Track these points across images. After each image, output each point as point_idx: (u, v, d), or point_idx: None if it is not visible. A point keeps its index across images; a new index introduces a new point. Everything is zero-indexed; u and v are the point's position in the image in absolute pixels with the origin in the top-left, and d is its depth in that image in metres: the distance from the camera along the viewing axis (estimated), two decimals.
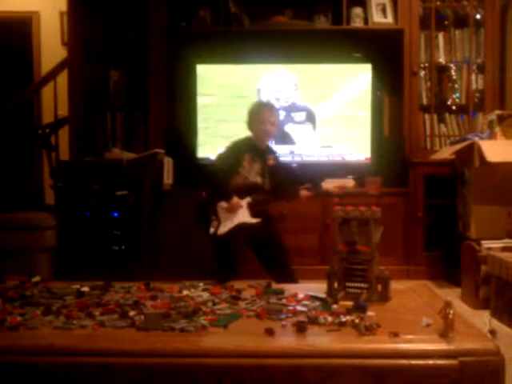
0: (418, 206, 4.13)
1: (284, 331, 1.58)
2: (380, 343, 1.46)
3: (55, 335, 1.57)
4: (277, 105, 4.08)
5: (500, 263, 2.98)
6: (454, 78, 4.28)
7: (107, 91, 4.34)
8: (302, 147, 4.33)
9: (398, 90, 4.30)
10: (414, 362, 1.41)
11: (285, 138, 4.31)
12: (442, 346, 1.44)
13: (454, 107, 4.30)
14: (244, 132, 3.25)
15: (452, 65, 4.28)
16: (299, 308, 1.79)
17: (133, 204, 4.03)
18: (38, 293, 2.05)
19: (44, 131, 4.37)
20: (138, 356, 1.45)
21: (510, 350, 1.77)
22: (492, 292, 3.07)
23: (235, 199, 3.00)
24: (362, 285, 1.91)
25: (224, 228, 3.01)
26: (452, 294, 3.40)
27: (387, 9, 4.27)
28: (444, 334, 1.47)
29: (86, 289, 2.07)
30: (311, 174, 3.73)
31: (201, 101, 4.33)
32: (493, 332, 2.59)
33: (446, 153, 3.83)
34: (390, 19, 4.26)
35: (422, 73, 4.27)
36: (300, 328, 1.57)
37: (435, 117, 4.29)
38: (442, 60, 4.29)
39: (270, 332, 1.54)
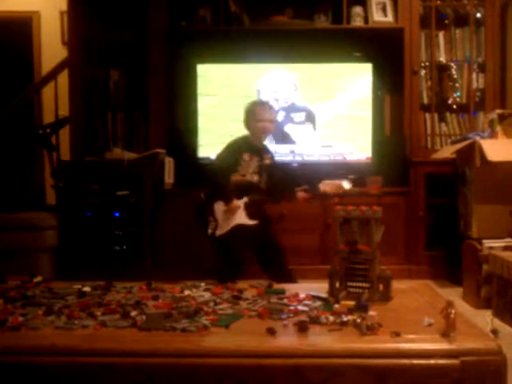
0: (420, 206, 4.13)
1: (285, 331, 1.58)
2: (382, 343, 1.46)
3: (57, 335, 1.57)
4: (276, 105, 4.08)
5: (502, 262, 2.97)
6: (455, 76, 4.28)
7: (108, 91, 4.34)
8: (302, 147, 4.32)
9: (399, 89, 4.29)
10: (415, 361, 1.41)
11: (284, 138, 4.31)
12: (443, 345, 1.44)
13: (454, 106, 4.30)
14: (245, 131, 3.25)
15: (452, 64, 4.28)
16: (301, 308, 1.79)
17: (134, 204, 4.03)
18: (40, 293, 2.05)
19: (45, 131, 4.37)
20: (139, 356, 1.45)
21: None
22: (494, 291, 3.07)
23: (234, 202, 3.00)
24: (364, 284, 1.91)
25: (222, 229, 3.00)
26: (454, 294, 3.40)
27: (387, 8, 4.26)
28: (446, 334, 1.47)
29: (87, 289, 2.08)
30: (309, 175, 3.73)
31: (201, 100, 4.33)
32: (494, 331, 2.59)
33: (446, 152, 3.82)
34: (390, 18, 4.26)
35: (423, 72, 4.27)
36: (301, 328, 1.57)
37: (436, 116, 4.28)
38: (442, 59, 4.29)
39: (271, 332, 1.54)
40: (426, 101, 4.27)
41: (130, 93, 4.34)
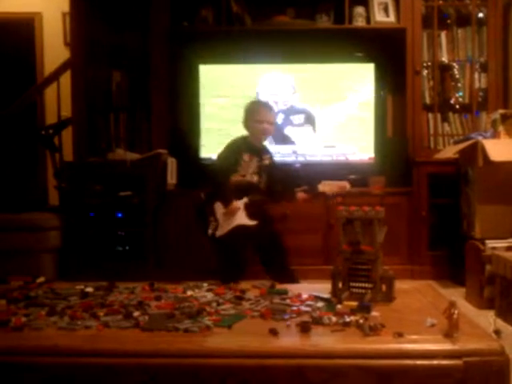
0: (422, 206, 4.13)
1: (288, 331, 1.58)
2: (384, 343, 1.46)
3: (59, 336, 1.57)
4: (275, 108, 4.07)
5: (505, 263, 2.97)
6: (457, 76, 4.27)
7: (110, 92, 4.35)
8: (305, 147, 4.32)
9: (401, 89, 4.29)
10: (418, 362, 1.40)
11: (284, 140, 4.30)
12: (446, 346, 1.43)
13: (457, 106, 4.29)
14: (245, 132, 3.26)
15: (455, 64, 4.27)
16: (303, 308, 1.79)
17: (136, 204, 4.04)
18: (43, 293, 2.05)
19: (47, 132, 4.37)
20: (142, 356, 1.45)
21: None
22: (497, 292, 3.06)
23: (234, 203, 3.00)
24: (367, 285, 1.91)
25: (222, 230, 3.00)
26: (456, 294, 3.39)
27: (389, 8, 4.26)
28: (449, 334, 1.47)
29: (90, 289, 2.08)
30: (311, 176, 3.73)
31: (203, 101, 4.33)
32: (497, 332, 2.58)
33: (449, 152, 3.82)
34: (392, 18, 4.25)
35: (425, 72, 4.26)
36: (304, 328, 1.57)
37: (438, 116, 4.27)
38: (444, 59, 4.28)
39: (274, 332, 1.54)
40: (428, 101, 4.27)
41: (132, 93, 4.35)
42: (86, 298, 1.97)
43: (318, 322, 1.63)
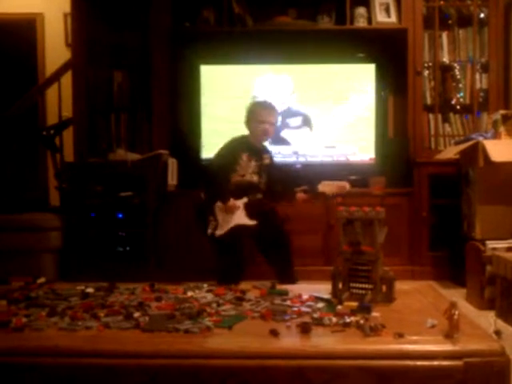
0: (423, 206, 4.13)
1: (288, 332, 1.58)
2: (385, 344, 1.46)
3: (60, 336, 1.58)
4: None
5: (505, 263, 2.96)
6: (458, 77, 4.27)
7: (111, 92, 4.35)
8: (305, 148, 4.32)
9: (402, 89, 4.28)
10: (419, 362, 1.40)
11: (282, 141, 4.30)
12: (447, 346, 1.43)
13: (458, 107, 4.28)
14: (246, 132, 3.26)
15: (456, 64, 4.27)
16: (304, 309, 1.79)
17: (137, 205, 4.04)
18: (43, 294, 2.05)
19: (48, 132, 4.38)
20: (142, 357, 1.45)
21: None
22: (497, 292, 3.06)
23: (231, 202, 3.00)
24: (367, 285, 1.91)
25: (222, 229, 3.01)
26: (457, 295, 3.39)
27: (391, 8, 4.26)
28: (449, 335, 1.47)
29: (90, 290, 2.08)
30: (309, 176, 3.73)
31: (205, 101, 4.33)
32: (498, 333, 2.58)
33: (450, 153, 3.81)
34: (393, 19, 4.25)
35: (426, 72, 4.26)
36: (304, 329, 1.57)
37: (439, 116, 4.27)
38: (445, 59, 4.28)
39: (274, 333, 1.54)
40: (429, 101, 4.27)
41: (133, 94, 4.35)
42: (87, 299, 1.97)
43: (318, 322, 1.63)
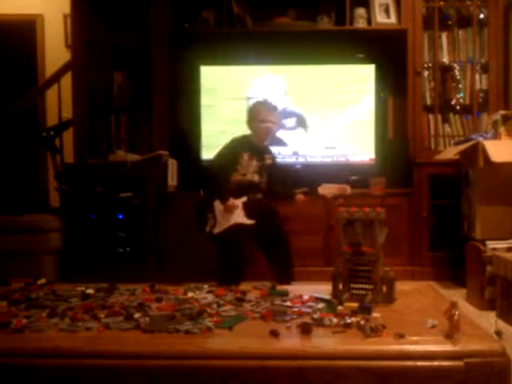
0: (423, 207, 4.13)
1: (289, 333, 1.58)
2: (385, 345, 1.46)
3: (60, 337, 1.57)
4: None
5: (505, 264, 2.96)
6: (458, 77, 4.27)
7: (111, 93, 4.36)
8: (305, 148, 4.32)
9: (402, 90, 4.29)
10: (419, 363, 1.40)
11: (276, 142, 4.29)
12: (447, 347, 1.43)
13: (458, 107, 4.29)
14: (247, 132, 3.26)
15: (456, 65, 4.27)
16: (304, 309, 1.79)
17: (137, 206, 4.04)
18: (44, 295, 2.05)
19: (48, 134, 4.38)
20: (142, 358, 1.45)
21: None
22: (497, 293, 3.06)
23: (230, 201, 3.01)
24: (367, 286, 1.91)
25: (220, 227, 3.02)
26: (457, 295, 3.39)
27: (390, 9, 4.26)
28: (449, 335, 1.47)
29: (90, 291, 2.08)
30: (310, 177, 3.73)
31: (204, 102, 4.33)
32: (499, 333, 2.58)
33: (450, 153, 3.82)
34: (393, 19, 4.25)
35: (426, 73, 4.26)
36: (305, 330, 1.56)
37: (439, 117, 4.28)
38: (445, 60, 4.28)
39: (274, 334, 1.54)
40: (429, 102, 4.27)
41: (133, 95, 4.35)
42: (87, 300, 1.97)
43: (318, 323, 1.63)
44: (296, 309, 1.80)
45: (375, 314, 1.69)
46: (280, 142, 4.29)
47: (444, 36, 4.28)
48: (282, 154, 4.25)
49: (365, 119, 4.27)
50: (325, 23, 4.32)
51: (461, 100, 4.27)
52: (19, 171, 4.90)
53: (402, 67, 4.22)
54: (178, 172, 4.17)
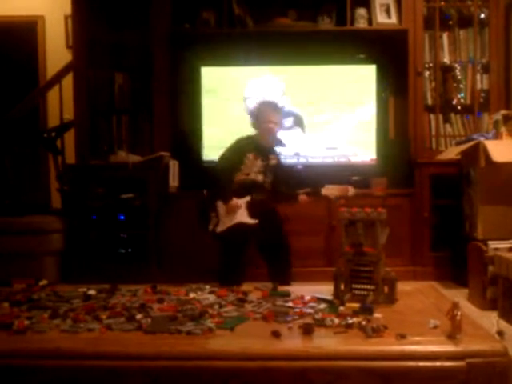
0: (424, 207, 4.12)
1: (290, 333, 1.58)
2: (387, 345, 1.46)
3: (62, 339, 1.58)
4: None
5: (507, 264, 2.96)
6: (459, 77, 4.26)
7: (112, 94, 4.35)
8: (306, 149, 4.32)
9: (403, 90, 4.28)
10: (421, 363, 1.40)
11: (277, 142, 4.29)
12: (449, 347, 1.43)
13: (459, 107, 4.28)
14: (250, 132, 3.27)
15: (457, 65, 4.27)
16: (306, 310, 1.79)
17: (139, 207, 4.04)
18: (45, 296, 2.06)
19: (50, 135, 4.38)
20: (144, 359, 1.45)
21: None
22: (499, 293, 3.06)
23: (233, 201, 3.02)
24: (369, 286, 1.91)
25: (223, 226, 3.04)
26: (459, 295, 3.38)
27: (391, 9, 4.26)
28: (451, 336, 1.47)
29: (92, 292, 2.08)
30: (313, 178, 3.73)
31: (206, 103, 4.33)
32: (501, 333, 2.57)
33: (451, 153, 3.81)
34: (394, 20, 4.25)
35: (427, 73, 4.26)
36: (306, 330, 1.57)
37: (440, 117, 4.27)
38: (446, 60, 4.28)
39: (276, 334, 1.54)
40: (430, 102, 4.26)
41: (134, 96, 4.35)
42: (89, 301, 1.98)
43: (320, 323, 1.63)
44: (298, 309, 1.80)
45: (377, 315, 1.69)
46: (280, 143, 4.28)
47: (445, 36, 4.28)
48: (284, 155, 4.24)
49: (366, 119, 4.27)
50: (325, 23, 4.32)
51: (462, 100, 4.27)
52: (21, 172, 4.90)
53: (403, 67, 4.22)
54: (179, 173, 4.17)
